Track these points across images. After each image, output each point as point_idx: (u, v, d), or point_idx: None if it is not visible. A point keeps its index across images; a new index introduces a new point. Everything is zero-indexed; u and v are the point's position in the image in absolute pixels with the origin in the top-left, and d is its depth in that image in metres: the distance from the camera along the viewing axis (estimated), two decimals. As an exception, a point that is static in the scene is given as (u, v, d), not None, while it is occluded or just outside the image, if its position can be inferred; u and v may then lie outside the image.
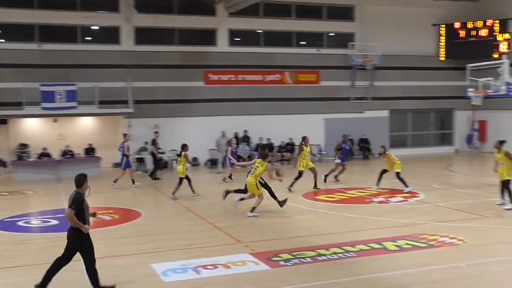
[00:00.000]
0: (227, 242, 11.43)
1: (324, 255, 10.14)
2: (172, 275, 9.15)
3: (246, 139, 27.43)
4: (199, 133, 26.80)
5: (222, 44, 28.19)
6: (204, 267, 9.48)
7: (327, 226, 12.76)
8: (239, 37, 28.83)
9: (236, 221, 13.72)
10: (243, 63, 28.33)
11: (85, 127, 27.16)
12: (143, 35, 27.08)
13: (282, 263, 9.71)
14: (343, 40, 30.11)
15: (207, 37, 28.19)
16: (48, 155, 24.59)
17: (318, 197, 17.01)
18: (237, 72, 28.31)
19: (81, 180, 8.25)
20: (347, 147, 20.84)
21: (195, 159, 26.97)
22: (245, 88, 28.35)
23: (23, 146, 25.21)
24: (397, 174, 17.45)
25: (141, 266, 9.76)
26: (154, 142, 23.15)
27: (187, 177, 17.51)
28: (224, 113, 27.80)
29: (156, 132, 23.70)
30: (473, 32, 30.47)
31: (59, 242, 11.69)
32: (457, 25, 30.87)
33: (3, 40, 25.59)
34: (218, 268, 9.44)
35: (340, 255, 10.14)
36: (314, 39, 30.11)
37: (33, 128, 26.30)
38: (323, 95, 29.65)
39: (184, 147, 18.00)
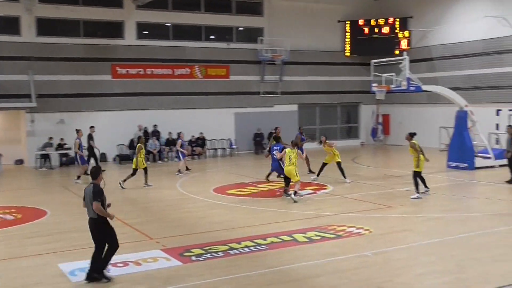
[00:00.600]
0: (137, 239, 11.24)
1: (236, 248, 10.21)
2: (81, 274, 8.85)
3: (156, 133, 27.04)
4: (107, 128, 26.11)
5: (130, 37, 27.58)
6: (114, 265, 9.26)
7: (239, 220, 12.85)
8: (148, 30, 28.34)
9: (146, 217, 13.53)
10: (152, 57, 27.87)
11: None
12: (46, 26, 25.96)
13: (194, 258, 9.68)
14: (252, 34, 30.37)
15: (114, 29, 27.47)
16: None
17: (229, 191, 17.09)
18: (146, 66, 27.81)
19: (96, 172, 8.64)
20: (304, 138, 21.16)
21: (103, 154, 26.26)
22: (154, 82, 27.93)
23: None
24: (338, 164, 18.05)
25: (48, 266, 9.41)
26: (90, 137, 22.22)
27: (144, 169, 18.45)
28: (132, 107, 27.27)
29: (92, 126, 22.81)
30: (376, 29, 31.70)
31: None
32: (361, 22, 31.98)
33: None
34: (129, 266, 9.27)
35: (251, 248, 10.25)
36: (224, 33, 30.16)
37: None
38: (233, 89, 29.78)
39: (139, 138, 19.33)
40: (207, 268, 9.11)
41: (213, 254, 9.89)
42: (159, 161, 26.21)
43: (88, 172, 17.68)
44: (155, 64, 28.00)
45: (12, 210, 14.53)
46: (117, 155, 26.55)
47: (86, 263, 9.35)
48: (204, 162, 26.15)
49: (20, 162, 25.94)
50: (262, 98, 30.59)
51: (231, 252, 10.02)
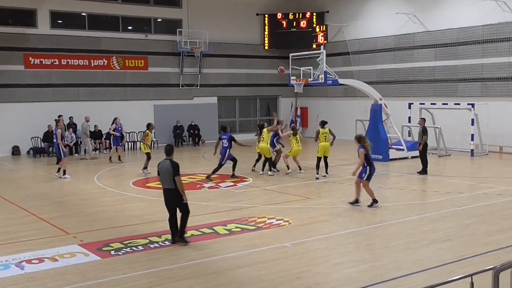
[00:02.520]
0: (53, 234, 10.90)
1: (156, 242, 10.13)
2: (-4, 270, 8.51)
3: (72, 126, 26.19)
4: (20, 120, 25.07)
5: (43, 26, 26.52)
6: (29, 261, 8.96)
7: (159, 213, 12.68)
8: (62, 19, 27.35)
9: (62, 211, 13.13)
10: (67, 47, 26.93)
11: None
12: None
13: (113, 252, 9.52)
14: (171, 26, 30.01)
15: (26, 17, 26.33)
16: None
17: (149, 184, 16.88)
18: (61, 56, 26.84)
19: (171, 149, 10.31)
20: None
21: (16, 148, 25.20)
22: (70, 73, 27.02)
23: None
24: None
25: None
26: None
27: (147, 154, 18.91)
28: (47, 99, 26.28)
29: (60, 115, 22.05)
30: (294, 23, 32.20)
31: None
32: (279, 15, 32.36)
33: None
34: (45, 262, 8.98)
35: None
36: (142, 24, 29.63)
37: None
38: (151, 81, 29.36)
39: (149, 126, 19.54)
40: (126, 263, 8.98)
41: (133, 248, 9.76)
42: (76, 154, 25.42)
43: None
44: (71, 55, 27.08)
45: None
46: (31, 148, 25.51)
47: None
48: (122, 155, 25.62)
49: None
50: (182, 90, 30.35)
51: (151, 245, 9.92)
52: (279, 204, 13.53)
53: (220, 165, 17.39)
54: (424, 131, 17.97)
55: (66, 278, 8.29)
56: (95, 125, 26.05)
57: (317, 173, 17.25)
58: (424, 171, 17.83)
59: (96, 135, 26.16)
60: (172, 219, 10.07)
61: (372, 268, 8.60)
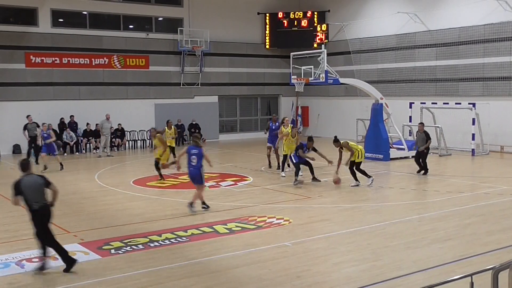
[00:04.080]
0: (54, 233, 10.86)
1: (156, 241, 10.13)
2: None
3: (72, 125, 26.20)
4: (21, 119, 25.01)
5: (44, 25, 26.51)
6: (29, 260, 8.97)
7: (159, 212, 12.74)
8: (63, 18, 27.35)
9: (62, 210, 13.08)
10: (68, 46, 26.94)
11: None
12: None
13: (113, 251, 9.52)
14: (172, 25, 30.00)
15: (27, 16, 26.32)
16: None
17: (149, 183, 16.87)
18: (62, 55, 26.84)
19: (27, 165, 8.91)
20: (273, 127, 19.41)
21: (17, 146, 25.22)
22: (71, 72, 27.03)
23: None
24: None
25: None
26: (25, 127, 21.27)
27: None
28: (48, 97, 26.31)
29: (29, 115, 22.12)
30: (295, 22, 32.17)
31: None
32: (280, 14, 32.33)
33: None
34: (45, 261, 8.96)
35: (172, 240, 10.20)
36: (143, 23, 29.63)
37: None
38: (152, 80, 29.35)
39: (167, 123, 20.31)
40: (126, 261, 8.99)
41: (133, 247, 9.76)
42: (77, 153, 25.44)
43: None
44: (72, 53, 27.07)
45: None
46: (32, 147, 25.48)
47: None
48: (123, 154, 25.66)
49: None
50: (183, 89, 30.34)
51: (151, 244, 9.92)
52: (279, 203, 13.53)
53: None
54: (427, 136, 17.87)
55: (66, 276, 8.30)
56: (96, 124, 26.00)
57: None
58: (425, 170, 17.74)
59: (96, 133, 26.12)
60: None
61: (373, 267, 8.59)
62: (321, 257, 9.21)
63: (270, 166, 19.16)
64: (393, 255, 9.23)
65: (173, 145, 19.90)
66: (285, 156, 17.36)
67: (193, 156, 12.64)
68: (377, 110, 21.77)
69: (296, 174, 15.99)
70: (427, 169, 17.68)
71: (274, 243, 9.96)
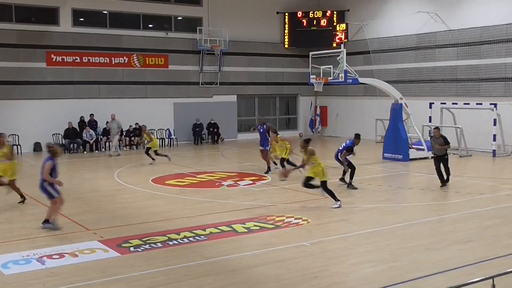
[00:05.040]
0: (74, 230, 11.00)
1: (175, 239, 10.16)
2: (14, 267, 8.63)
3: (92, 123, 26.44)
4: (42, 117, 25.38)
5: (65, 24, 26.77)
6: (50, 257, 9.06)
7: (178, 211, 12.79)
8: (84, 17, 27.59)
9: (82, 208, 13.24)
10: (88, 45, 27.17)
11: None
12: (-25, 10, 24.86)
13: (132, 249, 9.57)
14: (191, 24, 30.09)
15: (49, 15, 26.60)
16: None
17: (168, 181, 16.94)
18: (82, 54, 27.08)
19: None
20: (261, 130, 18.81)
21: (37, 144, 25.50)
22: (91, 71, 27.26)
23: None
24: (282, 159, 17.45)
25: (-22, 260, 9.09)
26: None
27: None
28: (68, 96, 26.55)
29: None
30: (314, 22, 32.06)
31: None
32: (299, 14, 32.26)
33: None
34: (65, 257, 9.07)
35: (190, 238, 10.23)
36: (162, 22, 29.77)
37: None
38: (171, 79, 29.47)
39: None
40: (145, 259, 9.03)
41: (152, 245, 9.81)
42: (96, 151, 25.65)
43: None
44: (92, 52, 27.30)
45: None
46: (52, 145, 25.80)
47: (19, 255, 9.11)
48: (142, 152, 25.78)
49: None
50: (201, 88, 30.42)
51: (170, 243, 9.96)
52: (298, 203, 13.50)
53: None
54: (446, 140, 15.83)
55: (86, 273, 8.36)
56: (107, 122, 26.22)
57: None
58: (448, 177, 15.69)
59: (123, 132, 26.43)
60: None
61: (392, 268, 8.53)
62: (339, 258, 9.17)
63: (269, 169, 18.41)
64: (412, 256, 9.16)
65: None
66: (282, 159, 17.38)
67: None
68: (397, 110, 21.62)
69: (351, 176, 15.34)
70: (449, 174, 15.76)
71: (292, 243, 9.94)
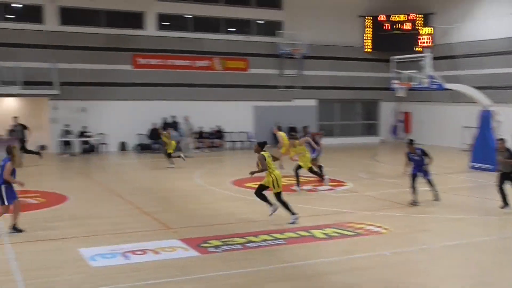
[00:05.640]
0: (155, 228, 11.28)
1: (254, 242, 10.17)
2: (101, 260, 8.96)
3: (174, 124, 27.08)
4: (127, 117, 26.31)
5: (151, 28, 27.67)
6: (133, 252, 9.32)
7: (257, 213, 12.80)
8: (168, 21, 28.37)
9: (164, 207, 13.56)
10: (171, 48, 27.95)
11: (8, 108, 25.98)
12: (68, 16, 26.14)
13: (211, 249, 9.67)
14: (272, 28, 30.23)
15: (135, 20, 27.56)
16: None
17: (247, 184, 17.01)
18: (166, 57, 27.88)
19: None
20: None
21: (123, 143, 26.46)
22: (174, 73, 27.99)
23: None
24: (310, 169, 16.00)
25: (68, 250, 9.52)
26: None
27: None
28: (152, 97, 27.37)
29: (15, 117, 22.50)
30: (397, 25, 31.35)
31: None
32: (382, 17, 31.66)
33: None
34: (147, 254, 9.31)
35: (269, 242, 10.21)
36: (243, 26, 30.08)
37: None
38: (252, 82, 29.71)
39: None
40: (224, 260, 9.10)
41: (231, 246, 9.87)
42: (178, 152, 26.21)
43: None
44: (175, 55, 28.05)
45: (36, 195, 14.67)
46: (137, 145, 26.72)
47: (106, 249, 9.43)
48: (222, 154, 26.17)
49: (43, 148, 26.29)
50: (281, 92, 30.47)
51: (249, 245, 9.99)
52: (378, 211, 13.18)
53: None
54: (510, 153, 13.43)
55: (166, 271, 8.52)
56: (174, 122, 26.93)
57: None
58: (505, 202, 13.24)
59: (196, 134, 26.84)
60: None
61: (482, 284, 8.12)
62: (422, 270, 8.85)
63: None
64: (503, 272, 8.69)
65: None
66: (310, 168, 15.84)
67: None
68: (485, 118, 20.70)
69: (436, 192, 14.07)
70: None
71: (372, 252, 9.70)
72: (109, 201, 14.34)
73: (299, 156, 15.94)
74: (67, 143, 25.42)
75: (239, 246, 9.89)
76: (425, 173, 13.95)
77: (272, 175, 11.58)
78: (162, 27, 28.01)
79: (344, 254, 9.53)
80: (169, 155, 20.93)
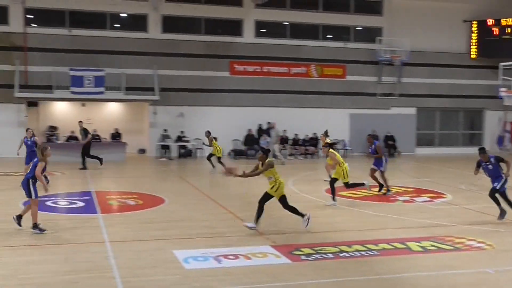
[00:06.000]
0: (248, 233, 11.29)
1: (346, 251, 9.93)
2: (194, 262, 9.08)
3: (269, 131, 27.25)
4: (223, 123, 26.79)
5: (248, 35, 28.08)
6: (225, 256, 9.38)
7: (350, 223, 12.54)
8: (265, 28, 28.64)
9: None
10: (268, 55, 28.18)
11: (111, 113, 27.42)
12: (170, 24, 27.11)
13: (303, 257, 9.54)
14: (371, 34, 29.73)
15: (233, 27, 28.08)
16: (75, 138, 24.83)
17: (341, 192, 16.71)
18: (263, 64, 28.15)
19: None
20: (371, 150, 16.79)
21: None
22: (270, 80, 28.20)
23: (52, 128, 25.62)
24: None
25: (162, 251, 9.71)
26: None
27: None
28: (248, 104, 27.74)
29: (81, 121, 22.76)
30: (508, 30, 29.70)
31: (84, 223, 11.83)
32: (490, 22, 30.15)
33: (35, 25, 25.79)
34: (239, 259, 9.33)
35: (362, 252, 9.92)
36: (341, 32, 29.77)
37: (62, 112, 26.68)
38: (348, 89, 29.34)
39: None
40: (315, 269, 8.93)
41: (323, 255, 9.68)
42: (273, 159, 26.32)
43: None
44: (272, 62, 28.25)
45: (134, 196, 15.24)
46: (232, 150, 27.13)
47: (199, 252, 9.56)
48: (317, 162, 25.94)
49: (142, 151, 27.42)
50: (379, 99, 29.82)
51: (341, 254, 9.75)
52: (481, 225, 12.44)
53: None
54: None
55: (257, 276, 8.49)
56: (284, 130, 26.82)
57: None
58: None
59: (286, 140, 26.92)
60: None
61: None
62: (530, 290, 8.23)
63: (380, 189, 16.58)
64: None
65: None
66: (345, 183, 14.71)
67: None
68: None
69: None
70: None
71: (473, 268, 9.16)
72: (203, 204, 14.60)
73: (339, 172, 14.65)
74: (165, 147, 26.27)
75: (331, 256, 9.68)
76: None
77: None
78: (259, 34, 28.33)
79: (443, 269, 9.05)
80: (218, 160, 20.63)
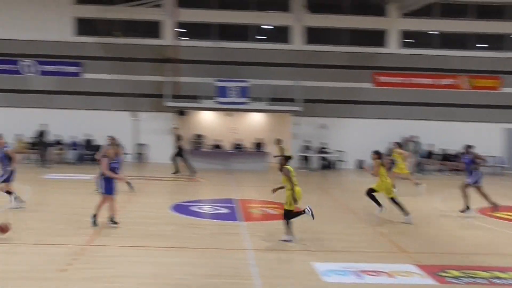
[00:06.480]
0: (389, 250, 10.86)
1: (501, 278, 9.10)
2: (333, 276, 8.90)
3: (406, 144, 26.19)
4: (365, 135, 26.26)
5: (392, 45, 27.33)
6: (366, 272, 9.06)
7: (504, 246, 11.54)
8: (411, 38, 27.68)
9: (400, 229, 13.00)
10: (413, 66, 27.22)
11: (255, 123, 28.04)
12: (313, 35, 27.20)
13: (449, 279, 8.92)
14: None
15: (377, 38, 27.51)
16: (219, 146, 25.79)
17: (496, 213, 15.44)
18: (408, 75, 27.24)
19: None
20: (466, 160, 15.07)
21: (361, 161, 26.50)
22: (415, 92, 27.23)
23: (199, 136, 26.78)
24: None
25: (302, 263, 9.62)
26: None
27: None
28: (391, 116, 26.96)
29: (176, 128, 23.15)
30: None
31: (227, 229, 12.10)
32: None
33: (186, 38, 27.20)
34: (381, 276, 8.95)
35: (519, 280, 9.04)
36: (494, 41, 27.91)
37: (208, 121, 27.79)
38: (503, 102, 27.36)
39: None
40: (465, 293, 8.30)
41: (474, 279, 8.96)
42: (418, 174, 25.22)
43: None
44: (418, 73, 27.25)
45: (276, 206, 15.31)
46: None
47: (338, 266, 9.32)
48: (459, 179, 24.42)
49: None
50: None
51: (495, 281, 8.95)
52: None
53: None
54: None
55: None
56: (431, 144, 25.72)
57: None
58: None
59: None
60: None
61: None
62: None
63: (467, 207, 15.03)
64: None
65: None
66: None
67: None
68: None
69: None
70: None
71: None
72: (343, 217, 14.31)
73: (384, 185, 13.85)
74: (306, 158, 26.28)
75: (483, 281, 8.93)
76: None
77: (291, 191, 11.12)
78: (405, 45, 27.48)
79: None
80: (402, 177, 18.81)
